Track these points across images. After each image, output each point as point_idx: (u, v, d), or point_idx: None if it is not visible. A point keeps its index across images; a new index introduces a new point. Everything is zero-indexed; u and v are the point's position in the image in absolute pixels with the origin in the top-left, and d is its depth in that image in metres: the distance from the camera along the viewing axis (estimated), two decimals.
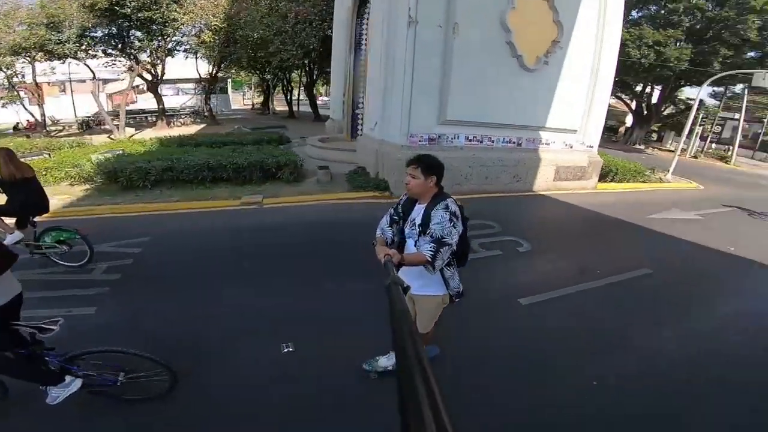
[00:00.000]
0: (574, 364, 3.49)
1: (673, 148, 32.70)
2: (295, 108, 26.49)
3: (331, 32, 14.28)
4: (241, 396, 2.80)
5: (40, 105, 16.68)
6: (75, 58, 13.61)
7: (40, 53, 13.41)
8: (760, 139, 32.27)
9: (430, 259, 2.16)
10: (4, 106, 17.26)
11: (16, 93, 16.46)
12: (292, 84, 27.30)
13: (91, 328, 3.44)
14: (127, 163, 7.80)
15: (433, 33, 7.40)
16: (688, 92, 31.11)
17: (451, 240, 2.23)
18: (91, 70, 14.19)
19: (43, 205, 4.32)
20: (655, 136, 34.56)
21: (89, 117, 18.38)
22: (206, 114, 21.92)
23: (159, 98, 17.55)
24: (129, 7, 12.10)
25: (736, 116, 29.59)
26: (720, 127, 33.90)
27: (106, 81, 21.95)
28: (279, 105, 32.12)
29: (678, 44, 21.61)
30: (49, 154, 9.40)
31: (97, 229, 5.90)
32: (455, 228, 2.26)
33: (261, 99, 36.10)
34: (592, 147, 10.79)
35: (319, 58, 17.03)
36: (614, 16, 9.47)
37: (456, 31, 7.38)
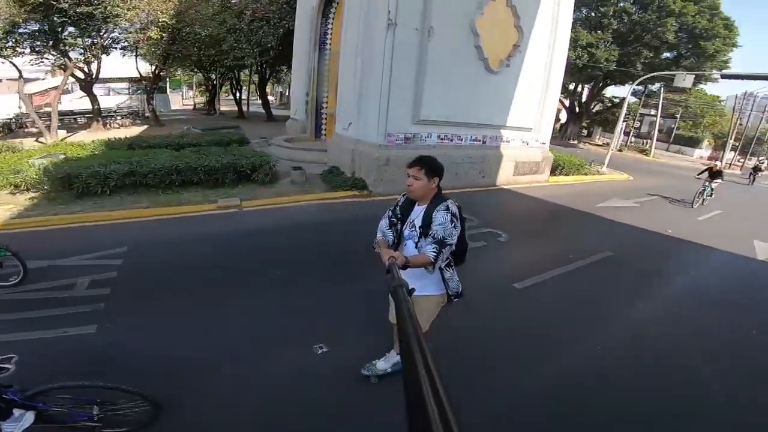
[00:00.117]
0: (578, 335, 3.94)
1: (600, 143, 36.13)
2: (244, 108, 25.45)
3: (292, 30, 14.00)
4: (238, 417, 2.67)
5: None
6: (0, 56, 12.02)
7: None
8: (673, 133, 36.78)
9: (433, 260, 2.20)
10: None
11: None
12: (242, 83, 26.22)
13: (97, 348, 3.19)
14: (82, 167, 7.13)
15: (410, 36, 7.62)
16: (612, 91, 34.43)
17: (452, 240, 2.28)
18: (17, 68, 12.58)
19: None
20: (585, 131, 37.89)
21: (10, 119, 16.31)
22: (147, 115, 20.38)
23: (94, 98, 16.02)
24: (67, 2, 10.91)
25: (653, 113, 33.42)
26: (639, 123, 38.06)
27: (25, 80, 19.62)
28: (224, 105, 30.68)
29: (607, 46, 23.88)
30: None
31: (57, 241, 5.42)
32: (455, 229, 2.30)
33: (203, 99, 34.24)
34: (544, 144, 11.70)
35: (275, 57, 16.57)
36: (564, 21, 10.37)
37: (431, 34, 7.67)
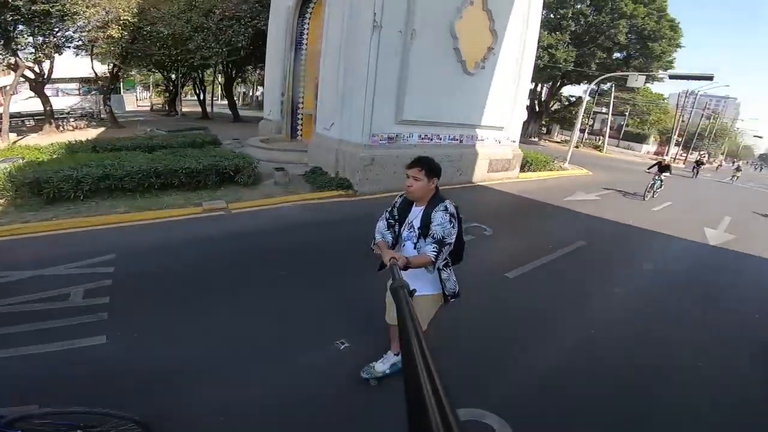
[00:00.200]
0: (571, 316, 4.34)
1: (559, 140, 38.09)
2: (208, 109, 24.63)
3: (263, 30, 13.74)
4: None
5: None
6: None
7: None
8: (623, 130, 39.41)
9: (434, 260, 2.21)
10: None
11: None
12: (206, 83, 25.34)
13: (112, 358, 3.11)
14: (52, 171, 6.74)
15: (394, 38, 7.78)
16: (568, 90, 36.33)
17: (451, 240, 2.30)
18: None
19: None
20: (545, 129, 39.77)
21: None
22: (103, 116, 19.27)
23: (46, 99, 14.97)
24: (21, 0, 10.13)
25: (605, 110, 35.65)
26: (593, 120, 40.45)
27: None
28: (185, 106, 29.53)
29: (565, 47, 25.19)
30: None
31: (35, 250, 5.14)
32: (454, 228, 2.33)
33: (160, 100, 32.75)
34: (514, 142, 12.28)
35: (245, 57, 16.15)
36: (534, 24, 10.95)
37: (414, 36, 7.88)
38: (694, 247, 7.80)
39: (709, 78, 16.55)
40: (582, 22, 24.77)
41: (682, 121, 35.57)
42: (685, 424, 2.96)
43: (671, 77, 18.10)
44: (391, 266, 1.77)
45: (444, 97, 9.11)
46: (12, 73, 13.00)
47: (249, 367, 3.11)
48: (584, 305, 4.67)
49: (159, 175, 7.28)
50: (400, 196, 2.62)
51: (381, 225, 2.58)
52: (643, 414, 3.00)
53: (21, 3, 10.43)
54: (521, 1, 10.17)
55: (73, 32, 13.69)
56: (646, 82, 27.59)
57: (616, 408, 3.05)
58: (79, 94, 23.74)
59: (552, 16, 26.41)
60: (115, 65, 16.61)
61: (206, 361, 3.16)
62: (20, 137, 14.47)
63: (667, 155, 25.57)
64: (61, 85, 23.59)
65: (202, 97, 23.79)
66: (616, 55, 26.69)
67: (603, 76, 20.03)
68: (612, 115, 34.60)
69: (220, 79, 28.55)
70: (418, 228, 2.40)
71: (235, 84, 26.90)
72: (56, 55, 13.95)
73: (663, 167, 12.59)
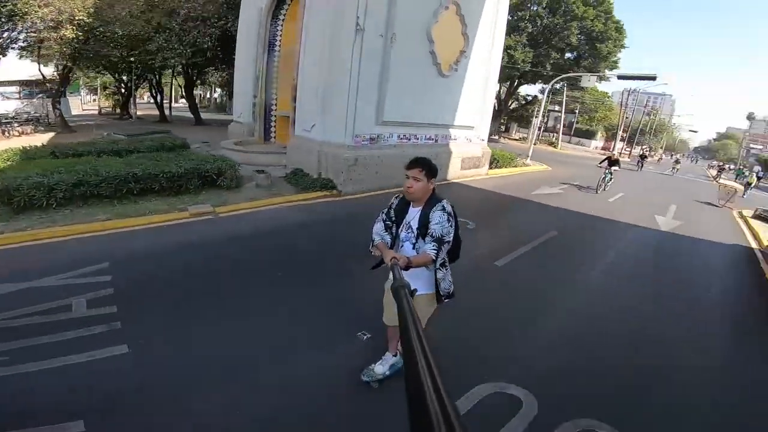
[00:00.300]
0: (560, 296, 4.86)
1: (518, 137, 39.91)
2: (167, 112, 23.59)
3: (231, 31, 13.46)
4: None
5: None
6: None
7: None
8: (574, 127, 41.93)
9: (434, 258, 2.25)
10: None
11: None
12: (163, 86, 24.23)
13: (142, 366, 3.08)
14: (21, 178, 6.37)
15: (376, 41, 7.99)
16: (525, 89, 38.10)
17: (449, 238, 2.35)
18: None
19: None
20: (503, 127, 41.48)
21: None
22: (51, 121, 17.98)
23: None
24: None
25: (557, 108, 37.80)
26: (546, 118, 42.68)
27: None
28: (139, 109, 28.09)
29: (523, 48, 26.47)
30: None
31: (19, 262, 4.89)
32: (452, 227, 2.38)
33: (109, 103, 30.91)
34: (483, 140, 12.89)
35: (209, 59, 15.66)
36: (501, 29, 11.58)
37: (394, 40, 8.13)
38: (649, 233, 8.66)
39: (653, 78, 18.14)
40: (538, 24, 26.19)
41: (626, 117, 38.45)
42: (656, 355, 3.86)
43: (619, 78, 19.70)
44: (392, 266, 1.77)
45: (421, 99, 9.47)
46: None
47: (268, 368, 3.18)
48: (568, 285, 5.23)
49: (138, 180, 7.05)
50: (396, 197, 2.63)
51: (378, 227, 2.59)
52: (628, 358, 3.72)
53: None
54: (490, 6, 10.75)
55: (18, 33, 12.74)
56: (596, 82, 29.62)
57: (609, 357, 3.72)
58: (19, 98, 22.00)
59: (511, 18, 27.66)
60: (65, 67, 15.59)
61: (229, 363, 3.22)
62: None
63: (614, 150, 27.65)
64: (0, 89, 21.77)
65: (159, 100, 22.75)
66: (568, 55, 28.46)
67: (559, 77, 21.32)
68: (564, 113, 36.76)
69: (179, 81, 27.38)
70: (417, 228, 2.43)
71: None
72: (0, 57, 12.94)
73: (612, 162, 13.65)
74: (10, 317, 3.69)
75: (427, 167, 2.41)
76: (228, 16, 13.55)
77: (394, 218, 2.58)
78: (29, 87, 21.19)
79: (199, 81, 24.55)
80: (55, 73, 16.96)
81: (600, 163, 14.37)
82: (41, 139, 14.78)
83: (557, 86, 35.24)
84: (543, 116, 38.86)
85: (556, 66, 26.88)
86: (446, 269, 2.57)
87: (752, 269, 7.15)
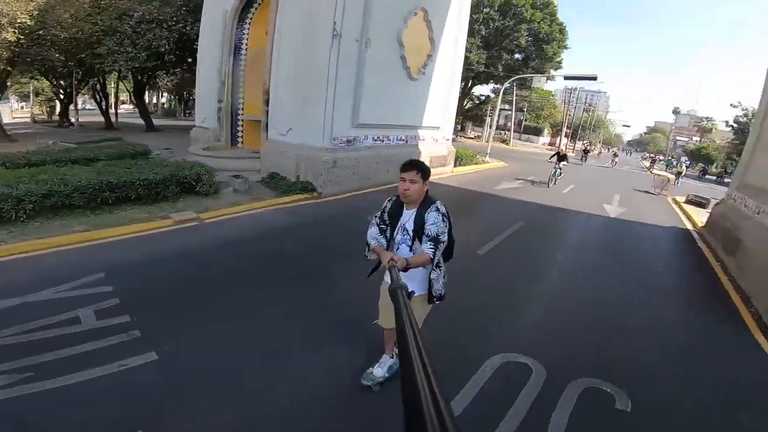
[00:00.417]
0: (538, 275, 5.57)
1: (473, 135, 41.59)
2: (113, 119, 22.27)
3: (190, 34, 13.07)
4: None
5: None
6: None
7: None
8: (523, 124, 44.40)
9: (432, 257, 2.31)
10: None
11: None
12: (108, 91, 22.80)
13: (178, 371, 3.15)
14: None
15: (352, 46, 8.25)
16: (478, 89, 39.72)
17: (444, 238, 2.40)
18: None
19: None
20: (459, 126, 43.03)
21: None
22: None
23: None
24: None
25: (507, 107, 39.85)
26: (498, 117, 44.86)
27: None
28: (79, 116, 26.24)
29: (477, 50, 27.70)
30: None
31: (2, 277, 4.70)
32: (446, 227, 2.43)
33: (43, 109, 28.60)
34: (448, 140, 13.57)
35: (165, 62, 14.99)
36: (462, 35, 12.26)
37: (368, 45, 8.44)
38: (601, 219, 9.68)
39: (594, 78, 19.81)
40: (491, 27, 27.56)
41: (569, 114, 41.38)
42: (622, 315, 4.61)
43: (566, 78, 21.39)
44: (390, 268, 1.79)
45: (393, 102, 9.89)
46: None
47: (285, 368, 3.33)
48: (545, 264, 6.03)
49: (113, 189, 6.84)
50: (389, 201, 2.67)
51: (373, 231, 2.61)
52: (602, 318, 4.54)
53: None
54: (453, 12, 11.40)
55: None
56: (541, 81, 31.63)
57: (590, 318, 4.54)
58: None
59: None
60: (3, 71, 14.34)
61: (252, 362, 3.35)
62: None
63: (560, 146, 29.75)
64: None
65: (104, 106, 21.44)
66: (517, 56, 30.25)
67: (512, 78, 22.69)
68: (514, 111, 38.87)
69: (126, 86, 25.84)
70: (413, 231, 2.47)
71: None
72: None
73: (561, 157, 14.72)
74: (14, 333, 3.60)
75: (421, 169, 2.45)
76: (187, 19, 13.13)
77: (388, 221, 2.60)
78: None
79: (148, 85, 23.36)
80: None
81: (550, 158, 15.30)
82: None
83: (507, 86, 37.27)
84: (496, 116, 40.84)
85: (506, 67, 28.49)
86: (440, 270, 2.61)
87: (690, 247, 8.31)
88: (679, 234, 9.41)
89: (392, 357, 3.03)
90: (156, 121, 25.71)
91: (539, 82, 20.55)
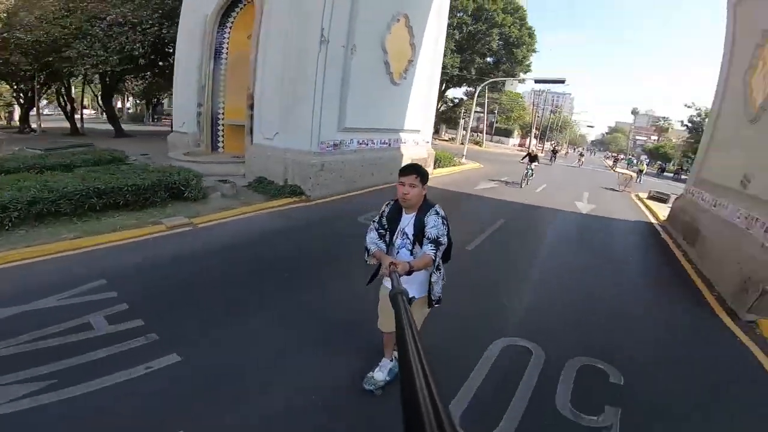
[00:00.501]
0: (525, 266, 6.03)
1: (447, 138, 42.47)
2: (78, 124, 21.37)
3: (166, 37, 12.84)
4: None
5: None
6: None
7: None
8: (494, 126, 45.76)
9: (434, 258, 2.34)
10: None
11: None
12: (74, 96, 21.85)
13: (206, 371, 3.23)
14: None
15: (338, 52, 8.46)
16: (451, 92, 40.55)
17: (444, 240, 2.43)
18: None
19: None
20: (434, 128, 43.90)
21: None
22: None
23: None
24: None
25: (479, 109, 40.98)
26: (470, 119, 46.06)
27: None
28: (42, 121, 25.02)
29: (451, 54, 28.38)
30: None
31: None
32: (445, 229, 2.47)
33: (2, 115, 27.04)
34: (428, 142, 13.99)
35: (138, 66, 14.58)
36: (441, 40, 12.71)
37: (354, 51, 8.67)
38: (574, 216, 10.33)
39: (562, 81, 20.82)
40: (464, 31, 28.35)
41: (537, 116, 43.05)
42: (601, 300, 5.01)
43: (536, 81, 22.32)
44: (391, 273, 1.80)
45: (377, 106, 10.17)
46: None
47: (298, 369, 3.39)
48: (529, 256, 6.56)
49: (101, 195, 6.76)
50: (387, 205, 2.68)
51: (372, 236, 2.60)
52: (587, 294, 5.06)
53: None
54: (433, 19, 11.84)
55: None
56: (511, 84, 32.77)
57: (575, 301, 5.05)
58: None
59: None
60: None
61: (270, 361, 3.48)
62: None
63: (530, 146, 30.92)
64: None
65: (69, 111, 20.58)
66: (489, 60, 31.29)
67: (486, 82, 23.48)
68: (486, 113, 40.04)
69: (93, 90, 24.83)
70: (413, 235, 2.48)
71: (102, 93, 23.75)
72: None
73: (533, 157, 15.35)
74: (27, 341, 3.59)
75: (420, 174, 2.48)
76: (163, 22, 12.90)
77: (386, 226, 2.60)
78: None
79: (115, 90, 22.58)
80: None
81: (522, 159, 15.91)
82: None
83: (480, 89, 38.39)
84: (469, 117, 41.87)
85: (479, 70, 29.43)
86: (440, 273, 2.62)
87: (655, 239, 9.04)
88: (644, 227, 10.19)
89: (392, 360, 3.05)
90: (123, 127, 24.85)
91: (511, 85, 21.45)
